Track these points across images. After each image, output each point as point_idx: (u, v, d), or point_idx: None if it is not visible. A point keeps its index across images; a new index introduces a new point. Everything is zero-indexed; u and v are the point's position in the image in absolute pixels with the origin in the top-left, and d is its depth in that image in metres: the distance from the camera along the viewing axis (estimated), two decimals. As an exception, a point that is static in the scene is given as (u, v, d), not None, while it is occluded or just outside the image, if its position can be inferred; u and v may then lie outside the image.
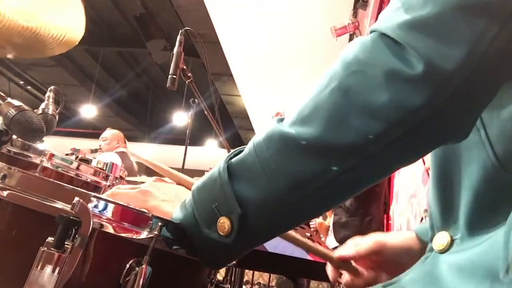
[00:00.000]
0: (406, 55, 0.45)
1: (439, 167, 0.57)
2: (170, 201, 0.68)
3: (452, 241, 0.53)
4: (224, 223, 0.54)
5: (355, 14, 4.31)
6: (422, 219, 2.52)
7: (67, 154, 1.24)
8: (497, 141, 0.49)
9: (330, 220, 3.32)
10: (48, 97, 1.14)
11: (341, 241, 3.00)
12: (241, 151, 0.57)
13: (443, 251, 0.54)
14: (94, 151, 3.80)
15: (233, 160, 0.56)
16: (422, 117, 0.45)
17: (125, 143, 3.94)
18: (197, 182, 0.61)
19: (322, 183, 0.50)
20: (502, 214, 0.46)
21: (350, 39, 4.45)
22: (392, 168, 0.52)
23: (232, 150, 0.59)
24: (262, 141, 0.53)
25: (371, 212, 3.02)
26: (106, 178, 1.28)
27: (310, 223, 3.67)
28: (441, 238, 0.54)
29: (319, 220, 3.64)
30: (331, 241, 3.11)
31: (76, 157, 1.23)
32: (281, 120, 0.54)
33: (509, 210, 0.45)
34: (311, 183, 0.50)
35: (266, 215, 0.54)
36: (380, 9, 4.06)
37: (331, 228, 3.19)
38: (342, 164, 0.49)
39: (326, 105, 0.49)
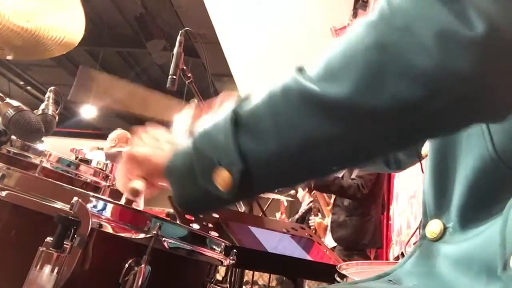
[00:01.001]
0: (465, 12, 0.38)
1: (436, 154, 0.56)
2: (160, 149, 0.61)
3: (445, 230, 0.53)
4: (223, 175, 0.49)
5: (355, 14, 4.30)
6: (421, 221, 2.52)
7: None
8: (497, 133, 0.48)
9: (328, 219, 3.32)
10: (48, 97, 1.14)
11: (339, 240, 3.00)
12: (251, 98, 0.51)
13: (435, 239, 0.53)
14: (100, 149, 3.85)
15: (242, 108, 0.50)
16: (473, 87, 0.39)
17: (125, 142, 3.95)
18: (199, 128, 0.54)
19: (338, 149, 0.45)
20: (496, 207, 0.46)
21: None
22: (419, 141, 0.49)
23: (240, 96, 0.53)
24: (278, 93, 0.47)
25: (369, 212, 3.02)
26: (106, 178, 1.28)
27: (310, 222, 3.67)
28: (434, 226, 0.54)
29: (318, 219, 3.63)
30: (329, 240, 3.11)
31: (76, 158, 1.23)
32: (301, 70, 0.48)
33: (503, 203, 0.44)
34: (327, 147, 0.45)
35: (270, 173, 0.49)
36: (380, 9, 4.04)
37: (329, 227, 3.19)
38: (368, 131, 0.44)
39: (360, 62, 0.42)
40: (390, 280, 0.56)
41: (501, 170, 0.47)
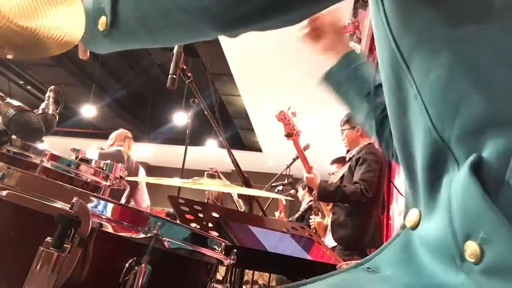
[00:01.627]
0: None
1: (399, 141, 0.54)
2: None
3: (421, 217, 0.51)
4: (102, 20, 0.67)
5: (355, 14, 4.30)
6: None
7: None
8: (431, 108, 0.46)
9: (328, 219, 3.32)
10: (48, 97, 1.14)
11: (339, 240, 3.00)
12: None
13: (413, 227, 0.51)
14: (101, 149, 3.88)
15: None
16: None
17: (123, 141, 3.96)
18: None
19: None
20: (443, 190, 0.44)
21: (350, 39, 4.45)
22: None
23: None
24: None
25: (370, 212, 3.01)
26: (106, 178, 1.28)
27: (310, 221, 3.67)
28: (412, 214, 0.52)
29: (318, 219, 3.63)
30: (329, 240, 3.10)
31: (76, 157, 1.23)
32: None
33: (448, 186, 0.43)
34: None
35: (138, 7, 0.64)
36: (380, 9, 4.04)
37: (329, 227, 3.18)
38: None
39: None
40: (369, 268, 0.55)
41: (441, 149, 0.45)
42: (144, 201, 3.93)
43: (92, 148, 3.85)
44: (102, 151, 3.81)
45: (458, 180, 0.41)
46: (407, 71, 0.48)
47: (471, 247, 0.38)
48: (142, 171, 3.93)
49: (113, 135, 3.99)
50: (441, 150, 0.45)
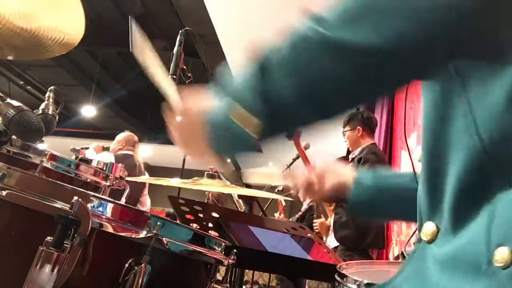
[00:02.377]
0: None
1: (428, 153, 0.56)
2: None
3: (438, 231, 0.53)
4: (247, 117, 0.54)
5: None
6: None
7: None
8: (483, 127, 0.47)
9: (331, 219, 3.31)
10: (48, 97, 1.14)
11: (341, 240, 3.00)
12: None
13: (430, 241, 0.53)
14: (106, 149, 3.86)
15: (267, 57, 0.56)
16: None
17: (133, 146, 3.96)
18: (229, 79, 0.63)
19: (354, 87, 0.50)
20: (484, 205, 0.46)
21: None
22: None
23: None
24: (299, 44, 0.53)
25: None
26: (106, 178, 1.28)
27: (314, 226, 3.66)
28: (428, 228, 0.54)
29: (320, 219, 3.63)
30: (331, 240, 3.10)
31: (76, 157, 1.23)
32: (317, 19, 0.52)
33: (491, 201, 0.44)
34: (346, 86, 0.51)
35: (289, 113, 0.54)
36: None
37: (331, 227, 3.18)
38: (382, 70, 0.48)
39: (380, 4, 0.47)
40: None
41: (489, 166, 0.47)
42: (147, 205, 3.95)
43: (104, 153, 3.81)
44: (117, 154, 3.78)
45: (507, 196, 0.44)
46: (461, 88, 0.49)
47: (502, 253, 0.41)
48: (146, 176, 3.93)
49: (120, 138, 3.96)
50: (487, 168, 0.47)
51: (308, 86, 0.51)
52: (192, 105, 0.67)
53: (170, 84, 0.76)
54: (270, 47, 0.57)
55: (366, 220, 2.98)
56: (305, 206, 4.73)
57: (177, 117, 0.69)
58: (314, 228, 3.58)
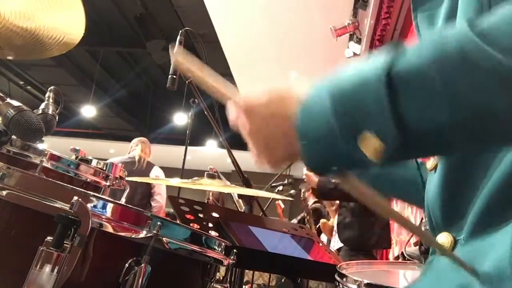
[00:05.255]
0: None
1: (452, 163, 0.53)
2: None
3: (456, 242, 0.52)
4: (373, 143, 0.42)
5: (355, 14, 4.30)
6: (422, 219, 2.52)
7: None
8: None
9: (334, 220, 3.31)
10: (48, 97, 1.14)
11: (345, 241, 2.99)
12: (403, 52, 0.42)
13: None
14: (131, 158, 3.81)
15: (396, 66, 0.41)
16: None
17: (143, 151, 3.91)
18: (337, 86, 0.46)
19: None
20: (510, 214, 0.46)
21: (350, 39, 4.45)
22: None
23: (390, 48, 0.44)
24: (453, 55, 0.39)
25: (376, 213, 3.00)
26: (106, 178, 1.28)
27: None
28: (442, 239, 0.52)
29: (322, 220, 3.63)
30: (335, 241, 3.10)
31: (76, 157, 1.23)
32: (480, 32, 0.39)
33: None
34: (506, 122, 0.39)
35: (430, 143, 0.43)
36: (380, 9, 4.05)
37: (335, 228, 3.18)
38: None
39: None
40: None
41: None
42: (161, 202, 3.85)
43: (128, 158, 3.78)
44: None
45: None
46: None
47: None
48: (156, 169, 3.86)
49: (137, 143, 3.93)
50: None
51: (468, 119, 0.40)
52: (276, 109, 0.54)
53: (228, 86, 0.62)
54: (397, 52, 0.43)
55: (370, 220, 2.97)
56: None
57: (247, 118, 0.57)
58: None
